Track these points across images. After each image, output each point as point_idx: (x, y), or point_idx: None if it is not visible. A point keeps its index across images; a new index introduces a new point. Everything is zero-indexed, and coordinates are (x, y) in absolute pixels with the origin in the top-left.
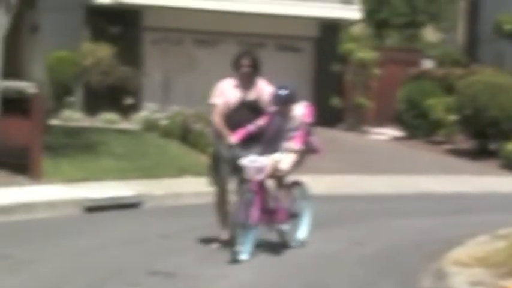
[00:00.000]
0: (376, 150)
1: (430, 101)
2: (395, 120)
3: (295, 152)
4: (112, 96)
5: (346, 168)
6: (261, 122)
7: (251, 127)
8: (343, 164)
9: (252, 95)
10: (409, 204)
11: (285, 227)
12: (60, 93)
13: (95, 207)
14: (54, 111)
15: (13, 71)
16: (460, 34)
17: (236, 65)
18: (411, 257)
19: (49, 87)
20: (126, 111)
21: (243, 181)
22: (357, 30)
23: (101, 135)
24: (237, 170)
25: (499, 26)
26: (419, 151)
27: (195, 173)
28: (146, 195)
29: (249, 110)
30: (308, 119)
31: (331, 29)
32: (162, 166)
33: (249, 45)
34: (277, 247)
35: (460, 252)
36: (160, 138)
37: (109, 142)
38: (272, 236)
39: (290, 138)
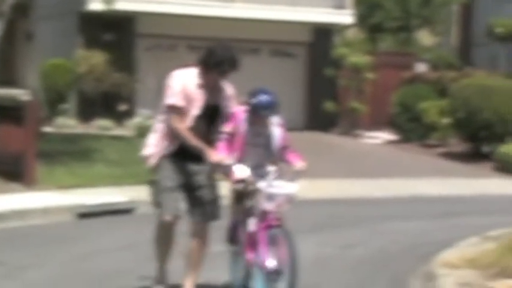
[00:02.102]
0: (370, 154)
1: (424, 105)
2: (389, 124)
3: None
4: (106, 102)
5: (340, 172)
6: (228, 128)
7: (224, 137)
8: (337, 168)
9: (216, 98)
10: (402, 208)
11: None
12: (54, 100)
13: (88, 214)
14: (48, 118)
15: (8, 79)
16: (454, 38)
17: (214, 64)
18: (403, 260)
19: (43, 95)
20: (120, 117)
21: (249, 214)
22: (350, 34)
23: (95, 141)
24: (241, 199)
25: (491, 29)
26: (413, 154)
27: None
28: (139, 201)
29: (210, 117)
30: (286, 142)
31: (324, 34)
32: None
33: (243, 51)
34: None
35: (450, 254)
36: None
37: (103, 149)
38: None
39: (287, 156)
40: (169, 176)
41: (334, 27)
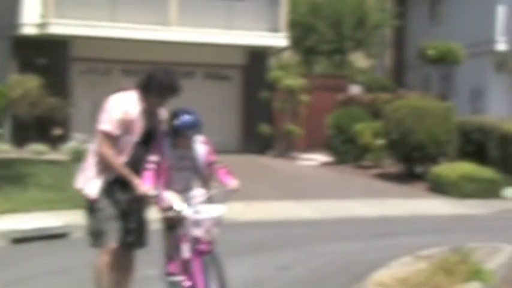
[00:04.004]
0: (306, 176)
1: (358, 127)
2: (324, 146)
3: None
4: (40, 127)
5: (276, 194)
6: (154, 157)
7: (150, 166)
8: (273, 190)
9: (152, 122)
10: (337, 229)
11: None
12: None
13: (22, 239)
14: None
15: None
16: (387, 60)
17: (155, 88)
18: (337, 280)
19: None
20: (54, 142)
21: (182, 240)
22: (284, 57)
23: (30, 166)
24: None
25: (423, 51)
26: (348, 176)
27: None
28: (74, 226)
29: (146, 142)
30: (213, 157)
31: (259, 56)
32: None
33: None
34: None
35: (382, 274)
36: None
37: (37, 173)
38: None
39: (217, 173)
40: (111, 204)
41: (269, 50)
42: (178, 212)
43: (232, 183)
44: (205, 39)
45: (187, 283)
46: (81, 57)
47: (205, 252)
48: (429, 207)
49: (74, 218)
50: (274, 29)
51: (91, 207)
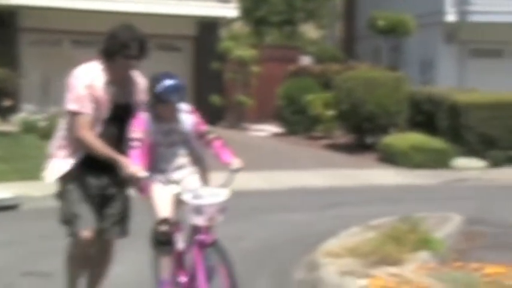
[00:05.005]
0: (257, 147)
1: (309, 97)
2: (275, 116)
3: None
4: None
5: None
6: (138, 134)
7: (136, 144)
8: None
9: (126, 95)
10: (288, 199)
11: None
12: None
13: None
14: None
15: None
16: (338, 31)
17: (119, 48)
18: (287, 251)
19: None
20: (4, 113)
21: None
22: (235, 28)
23: None
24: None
25: (374, 22)
26: (299, 147)
27: None
28: (25, 197)
29: (121, 120)
30: (203, 127)
31: (209, 27)
32: (42, 167)
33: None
34: None
35: (332, 244)
36: (40, 140)
37: None
38: None
39: (214, 148)
40: (81, 187)
41: (220, 20)
42: (173, 226)
43: (235, 162)
44: (155, 9)
45: (183, 279)
46: (30, 28)
47: (207, 243)
48: (379, 177)
49: (25, 190)
50: (225, 0)
51: (60, 191)
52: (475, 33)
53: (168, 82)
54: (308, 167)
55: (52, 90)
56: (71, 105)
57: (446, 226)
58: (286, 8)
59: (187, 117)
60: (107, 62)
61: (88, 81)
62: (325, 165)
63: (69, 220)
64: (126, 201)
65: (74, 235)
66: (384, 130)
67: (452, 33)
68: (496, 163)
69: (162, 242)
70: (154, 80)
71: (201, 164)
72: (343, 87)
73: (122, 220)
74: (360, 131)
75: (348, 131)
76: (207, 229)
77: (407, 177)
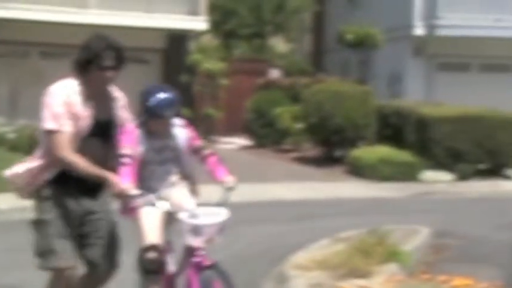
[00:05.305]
0: (226, 160)
1: (277, 110)
2: (244, 129)
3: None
4: None
5: (196, 177)
6: (127, 150)
7: (125, 160)
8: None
9: (106, 111)
10: (257, 212)
11: None
12: None
13: None
14: None
15: None
16: (307, 44)
17: (92, 58)
18: (256, 263)
19: None
20: None
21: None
22: (204, 41)
23: None
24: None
25: (342, 36)
26: (268, 159)
27: None
28: None
29: (103, 137)
30: (197, 142)
31: (178, 40)
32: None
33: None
34: None
35: (301, 256)
36: (8, 152)
37: None
38: None
39: (208, 164)
40: (59, 217)
41: (189, 33)
42: (163, 253)
43: (229, 180)
44: (124, 22)
45: None
46: None
47: (204, 266)
48: (348, 190)
49: None
50: (194, 13)
51: (36, 220)
52: (443, 47)
53: (162, 96)
54: (277, 179)
55: (20, 102)
56: (48, 124)
57: (414, 239)
58: (255, 21)
59: (181, 131)
60: (82, 77)
61: (64, 97)
62: (294, 178)
63: (44, 253)
64: (112, 227)
65: (51, 269)
66: (352, 143)
67: (420, 47)
68: (463, 176)
69: (150, 270)
70: (146, 94)
71: (190, 180)
72: (311, 100)
73: (110, 251)
74: (329, 144)
75: (317, 144)
76: (202, 250)
77: (376, 190)
